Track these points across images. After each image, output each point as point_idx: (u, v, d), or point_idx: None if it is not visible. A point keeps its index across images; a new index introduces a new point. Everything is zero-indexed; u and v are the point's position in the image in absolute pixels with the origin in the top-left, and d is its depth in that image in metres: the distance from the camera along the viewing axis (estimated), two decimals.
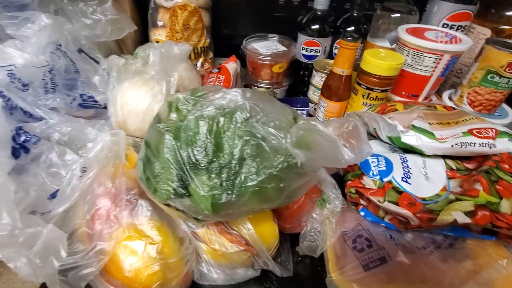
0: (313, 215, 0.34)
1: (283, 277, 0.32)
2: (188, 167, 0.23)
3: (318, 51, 0.60)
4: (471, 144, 0.34)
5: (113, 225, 0.29)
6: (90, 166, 0.31)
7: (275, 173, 0.23)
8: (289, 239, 0.38)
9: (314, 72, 0.59)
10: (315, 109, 0.61)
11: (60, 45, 0.39)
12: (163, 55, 0.41)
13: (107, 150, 0.32)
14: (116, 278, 0.28)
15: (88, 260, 0.26)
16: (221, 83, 0.51)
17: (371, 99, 0.49)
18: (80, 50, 0.42)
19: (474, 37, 0.54)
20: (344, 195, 0.36)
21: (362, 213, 0.35)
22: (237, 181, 0.23)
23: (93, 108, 0.44)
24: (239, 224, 0.31)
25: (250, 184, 0.23)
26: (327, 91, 0.53)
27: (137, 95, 0.38)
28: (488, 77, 0.47)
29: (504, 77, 0.46)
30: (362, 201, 0.34)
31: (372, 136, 0.45)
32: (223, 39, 0.67)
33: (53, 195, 0.31)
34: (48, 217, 0.29)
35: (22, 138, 0.33)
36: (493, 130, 0.36)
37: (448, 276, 0.29)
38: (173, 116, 0.26)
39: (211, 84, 0.50)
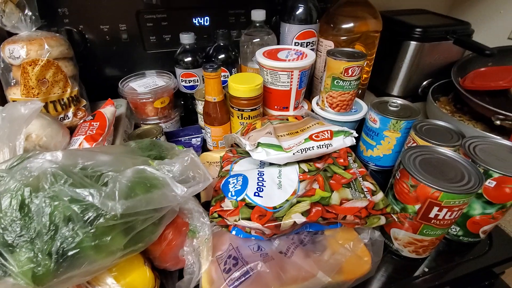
0: (185, 248, 0.35)
1: None
2: None
3: (196, 81, 0.63)
4: (310, 148, 0.39)
5: None
6: None
7: (92, 230, 0.23)
8: (177, 275, 0.38)
9: (196, 101, 0.61)
10: (205, 134, 0.64)
11: None
12: (5, 120, 0.38)
13: None
14: None
15: None
16: (94, 131, 0.49)
17: (245, 118, 0.53)
18: None
19: (323, 49, 0.63)
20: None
21: (233, 232, 0.37)
22: (53, 248, 0.23)
23: None
24: (100, 281, 0.30)
25: (68, 247, 0.23)
26: (208, 118, 0.56)
27: None
28: (335, 83, 0.55)
29: (346, 80, 0.54)
30: (228, 222, 0.36)
31: (247, 153, 0.48)
32: (101, 82, 0.65)
33: None
34: None
35: None
36: (329, 132, 0.42)
37: (303, 271, 0.32)
38: None
39: (83, 133, 0.48)
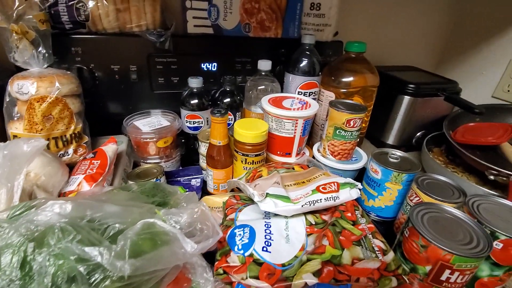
0: None
1: None
2: None
3: (201, 122, 0.63)
4: (318, 201, 0.39)
5: None
6: None
7: None
8: None
9: (199, 142, 0.61)
10: (206, 176, 0.63)
11: None
12: (5, 158, 0.36)
13: None
14: None
15: None
16: (95, 170, 0.48)
17: (249, 163, 0.53)
18: None
19: (324, 99, 0.66)
20: None
21: None
22: None
23: None
24: None
25: None
26: (211, 161, 0.55)
27: None
28: (337, 132, 0.57)
29: (347, 131, 0.56)
30: (233, 279, 0.34)
31: (251, 200, 0.47)
32: (106, 118, 0.65)
33: None
34: None
35: None
36: (335, 184, 0.42)
37: None
38: None
39: (82, 172, 0.47)
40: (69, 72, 0.52)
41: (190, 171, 0.64)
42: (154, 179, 0.52)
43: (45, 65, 0.52)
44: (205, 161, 0.58)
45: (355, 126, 0.55)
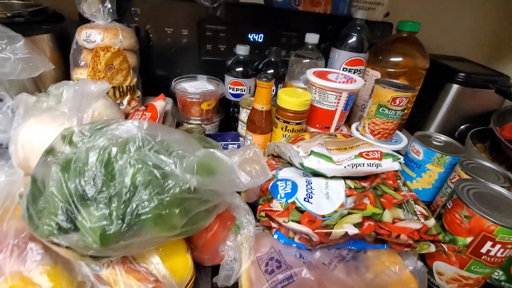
0: (228, 242, 0.35)
1: None
2: (75, 199, 0.23)
3: (243, 90, 0.65)
4: (361, 165, 0.39)
5: None
6: None
7: (168, 198, 0.24)
8: (210, 272, 0.37)
9: (240, 109, 0.63)
10: (244, 142, 0.65)
11: None
12: (77, 93, 0.40)
13: None
14: None
15: None
16: (147, 120, 0.51)
17: (289, 131, 0.55)
18: None
19: (369, 78, 0.65)
20: (258, 220, 0.37)
21: (275, 236, 0.36)
22: (128, 209, 0.23)
23: None
24: (147, 259, 0.30)
25: (142, 211, 0.23)
26: (251, 126, 0.57)
27: (42, 132, 0.36)
28: (380, 110, 0.56)
29: (391, 109, 0.55)
30: (273, 224, 0.36)
31: (289, 164, 0.49)
32: (155, 79, 0.69)
33: None
34: None
35: None
36: (379, 152, 0.42)
37: (348, 286, 0.31)
38: (66, 148, 0.25)
39: None
40: (129, 28, 0.56)
41: (228, 136, 0.66)
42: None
43: (109, 20, 0.56)
44: (245, 127, 0.60)
45: (400, 105, 0.54)
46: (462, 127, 0.76)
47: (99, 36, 0.51)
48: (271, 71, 0.65)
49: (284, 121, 0.54)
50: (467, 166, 0.46)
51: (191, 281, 0.33)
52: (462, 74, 0.69)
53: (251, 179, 0.29)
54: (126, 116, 0.54)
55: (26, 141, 0.36)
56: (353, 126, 0.64)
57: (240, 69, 0.64)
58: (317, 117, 0.59)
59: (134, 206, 0.23)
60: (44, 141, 0.37)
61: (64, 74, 0.56)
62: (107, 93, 0.54)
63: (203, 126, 0.62)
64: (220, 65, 0.67)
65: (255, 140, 0.58)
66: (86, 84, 0.42)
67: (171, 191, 0.24)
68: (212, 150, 0.28)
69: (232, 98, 0.66)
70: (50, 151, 0.26)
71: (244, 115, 0.63)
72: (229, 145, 0.67)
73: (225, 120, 0.71)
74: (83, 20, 0.56)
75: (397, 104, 0.54)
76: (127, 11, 0.62)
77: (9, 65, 0.42)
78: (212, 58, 0.69)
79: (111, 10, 0.55)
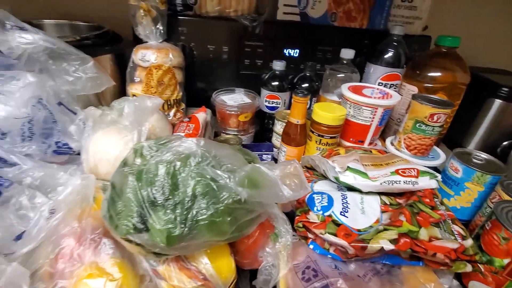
0: (267, 249, 0.37)
1: None
2: (147, 205, 0.27)
3: (278, 103, 0.68)
4: (397, 182, 0.40)
5: (75, 264, 0.30)
6: (59, 208, 0.34)
7: (222, 207, 0.27)
8: (248, 275, 0.40)
9: (275, 121, 0.66)
10: (278, 153, 0.68)
11: (42, 99, 0.44)
12: (136, 108, 0.46)
13: (76, 193, 0.35)
14: None
15: None
16: (191, 131, 0.56)
17: (323, 144, 0.57)
18: (60, 103, 0.46)
19: (405, 93, 0.65)
20: (295, 230, 0.40)
21: (311, 246, 0.38)
22: (189, 216, 0.27)
23: (67, 154, 0.47)
24: (197, 259, 0.34)
25: (200, 217, 0.27)
26: (286, 138, 0.60)
27: (109, 143, 0.42)
28: (417, 126, 0.56)
29: (429, 125, 0.55)
30: (309, 235, 0.38)
31: (323, 176, 0.51)
32: (197, 92, 0.75)
33: (19, 237, 0.32)
34: (11, 259, 0.30)
35: None
36: (415, 170, 0.43)
37: None
38: (138, 161, 0.30)
39: (182, 131, 0.56)
40: (177, 47, 0.62)
41: (262, 147, 0.70)
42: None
43: (160, 40, 0.62)
44: (279, 139, 0.63)
45: (438, 121, 0.54)
46: (505, 143, 0.72)
47: (153, 56, 0.57)
48: (306, 85, 0.68)
49: (319, 135, 0.56)
50: (508, 187, 0.45)
51: (234, 282, 0.36)
52: (505, 89, 0.67)
53: (293, 193, 0.32)
54: (172, 126, 0.59)
55: (96, 151, 0.42)
56: (388, 140, 0.65)
57: (276, 83, 0.67)
58: (351, 131, 0.60)
59: (194, 213, 0.27)
60: (110, 151, 0.43)
61: (120, 88, 0.63)
62: None
63: (239, 136, 0.66)
64: (257, 79, 0.71)
65: (289, 152, 0.61)
66: (144, 99, 0.48)
67: (225, 202, 0.27)
68: (258, 165, 0.32)
69: (268, 111, 0.70)
70: (125, 162, 0.31)
71: (279, 127, 0.66)
72: (264, 155, 0.70)
73: (259, 131, 0.75)
74: (136, 40, 0.63)
75: (435, 120, 0.54)
76: (175, 31, 0.68)
77: (81, 83, 0.49)
78: (250, 72, 0.73)
79: (162, 31, 0.62)
